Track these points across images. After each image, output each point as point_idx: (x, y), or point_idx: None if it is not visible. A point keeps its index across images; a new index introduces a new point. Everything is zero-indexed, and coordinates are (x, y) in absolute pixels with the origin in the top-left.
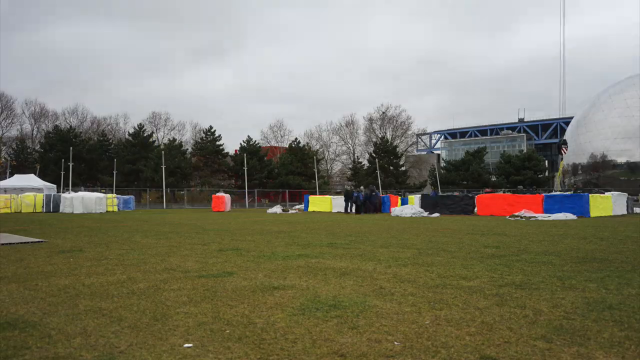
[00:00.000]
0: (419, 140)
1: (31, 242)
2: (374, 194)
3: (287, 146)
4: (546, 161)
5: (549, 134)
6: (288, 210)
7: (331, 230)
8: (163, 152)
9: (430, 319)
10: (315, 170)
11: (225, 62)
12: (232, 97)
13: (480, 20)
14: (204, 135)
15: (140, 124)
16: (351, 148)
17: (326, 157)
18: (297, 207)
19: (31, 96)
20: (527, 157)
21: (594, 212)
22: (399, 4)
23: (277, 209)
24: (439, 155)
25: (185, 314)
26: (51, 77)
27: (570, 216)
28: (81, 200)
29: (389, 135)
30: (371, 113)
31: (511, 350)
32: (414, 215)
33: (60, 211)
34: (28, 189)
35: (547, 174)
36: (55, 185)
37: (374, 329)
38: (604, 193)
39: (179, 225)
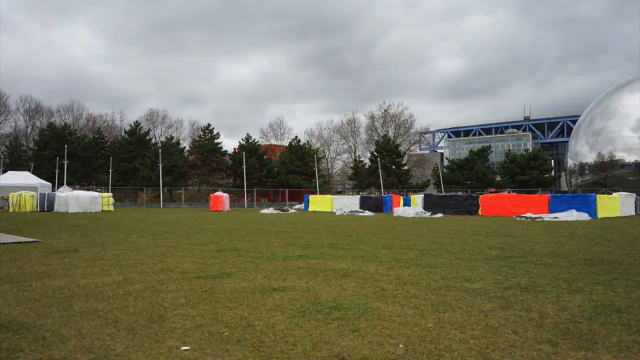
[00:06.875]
0: (422, 138)
1: (25, 242)
2: None
3: (287, 144)
4: (552, 160)
5: (555, 133)
6: (288, 210)
7: (332, 231)
8: (160, 150)
9: (433, 322)
10: (316, 169)
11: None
12: (231, 96)
13: None
14: (202, 132)
15: (137, 121)
16: (352, 147)
17: (327, 156)
18: (297, 206)
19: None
20: (532, 157)
21: (601, 213)
22: None
23: (269, 210)
24: (442, 154)
25: (183, 315)
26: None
27: (582, 216)
28: (76, 199)
29: (391, 134)
30: (373, 111)
31: (516, 354)
32: (416, 216)
33: (55, 210)
34: (22, 187)
35: (553, 173)
36: (50, 184)
37: (376, 332)
38: (611, 193)
39: (176, 225)
